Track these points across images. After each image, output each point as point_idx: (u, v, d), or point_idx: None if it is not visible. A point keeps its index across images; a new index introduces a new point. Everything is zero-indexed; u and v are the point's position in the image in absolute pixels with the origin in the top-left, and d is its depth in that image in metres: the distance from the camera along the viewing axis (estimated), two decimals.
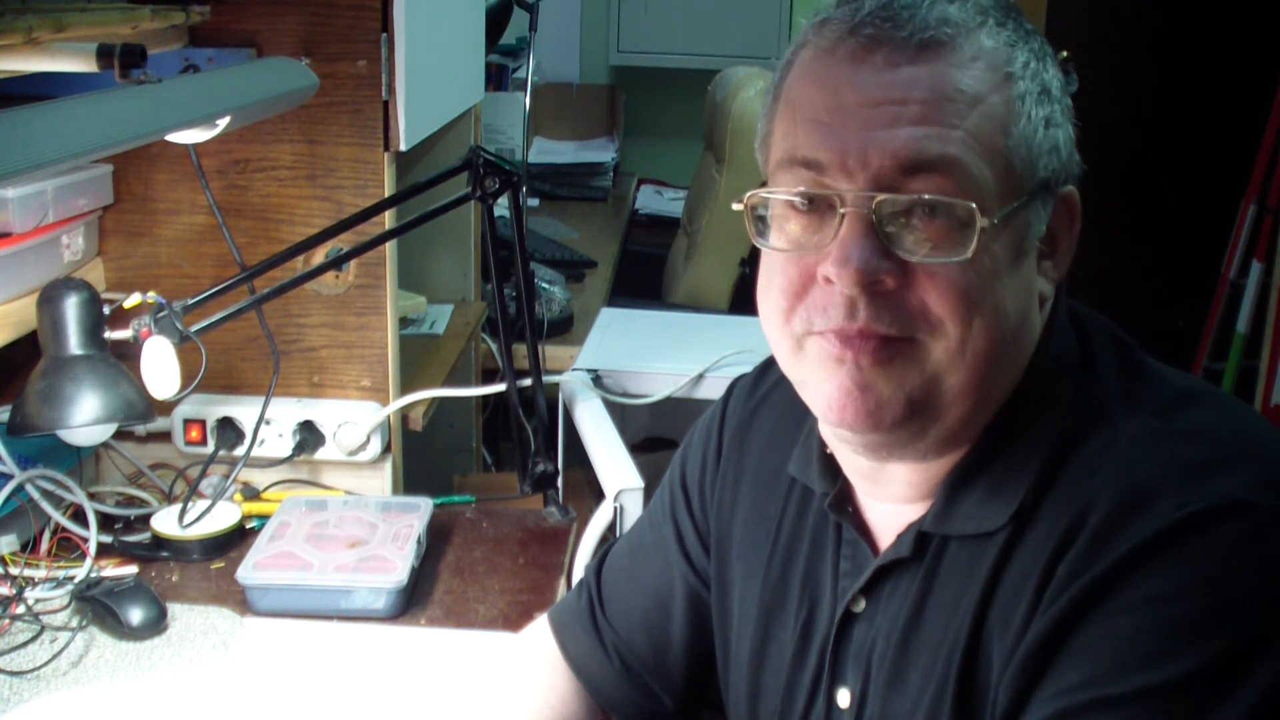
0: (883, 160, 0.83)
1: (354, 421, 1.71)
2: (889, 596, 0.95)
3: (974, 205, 0.83)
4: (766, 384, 1.13)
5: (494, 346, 2.34)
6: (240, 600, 1.46)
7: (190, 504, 1.58)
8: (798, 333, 0.89)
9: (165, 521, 1.58)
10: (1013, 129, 0.85)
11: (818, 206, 0.86)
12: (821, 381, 0.88)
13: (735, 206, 0.91)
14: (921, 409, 0.87)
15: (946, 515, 0.91)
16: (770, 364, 1.14)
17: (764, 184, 0.91)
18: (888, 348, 0.85)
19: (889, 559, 0.94)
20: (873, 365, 0.86)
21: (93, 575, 1.45)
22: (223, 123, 1.38)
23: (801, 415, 1.02)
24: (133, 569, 1.49)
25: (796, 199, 0.87)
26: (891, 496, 0.95)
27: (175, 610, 1.43)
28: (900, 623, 0.93)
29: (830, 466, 1.00)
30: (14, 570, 1.45)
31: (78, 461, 1.60)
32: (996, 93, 0.85)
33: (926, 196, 0.83)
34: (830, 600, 0.99)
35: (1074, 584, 0.82)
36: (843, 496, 0.99)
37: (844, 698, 0.97)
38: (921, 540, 0.92)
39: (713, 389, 1.98)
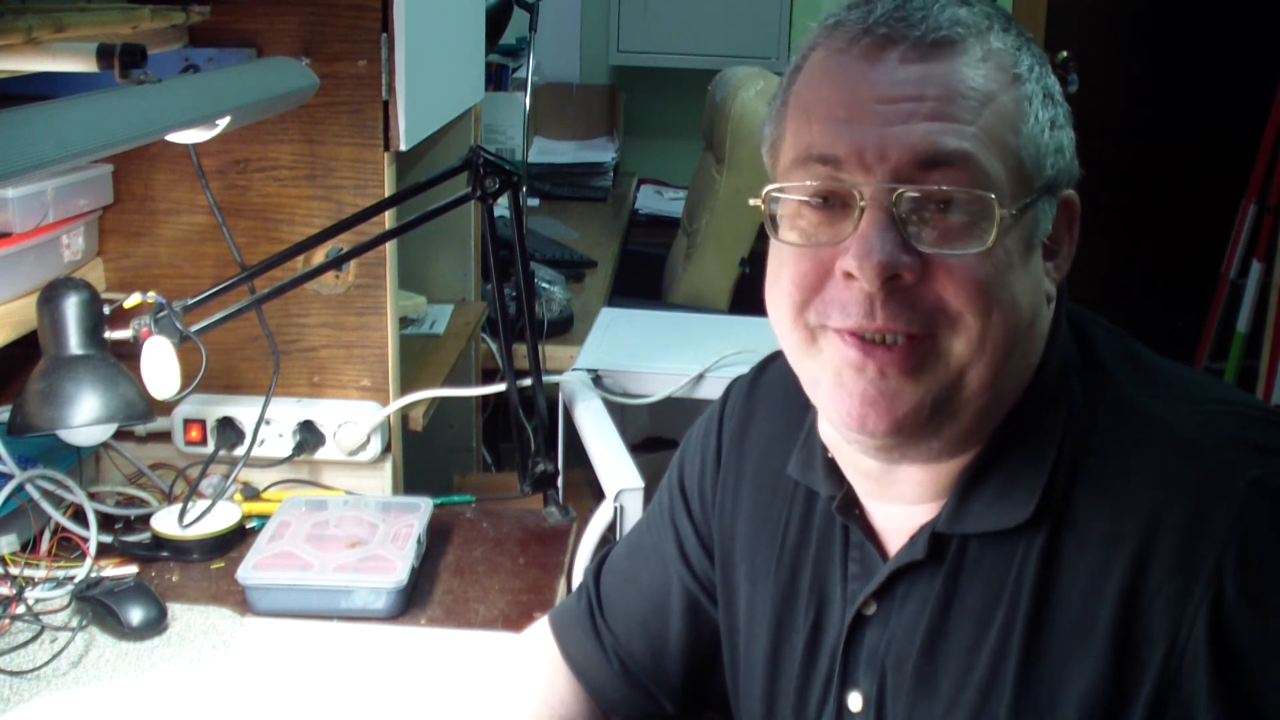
0: (900, 155, 0.84)
1: (354, 421, 1.71)
2: (903, 599, 0.94)
3: (992, 196, 0.84)
4: (763, 384, 1.13)
5: (494, 346, 2.34)
6: (240, 600, 1.46)
7: (190, 504, 1.57)
8: (811, 325, 0.89)
9: (165, 521, 1.58)
10: (1021, 128, 0.87)
11: (833, 202, 0.87)
12: (838, 388, 0.88)
13: (753, 202, 0.91)
14: (944, 406, 0.87)
15: (960, 514, 0.91)
16: (766, 364, 1.14)
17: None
18: (912, 355, 0.85)
19: (904, 561, 0.94)
20: (898, 374, 0.86)
21: (93, 575, 1.45)
22: (223, 123, 1.38)
23: (799, 415, 1.01)
24: (133, 569, 1.49)
25: (811, 196, 0.87)
26: (899, 498, 0.95)
27: (175, 610, 1.43)
28: (922, 627, 0.92)
29: (833, 469, 0.99)
30: (14, 570, 1.45)
31: (78, 461, 1.60)
32: (1006, 92, 0.86)
33: (946, 188, 0.84)
34: (840, 603, 0.99)
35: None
36: (849, 499, 0.99)
37: (855, 701, 0.97)
38: (937, 542, 0.92)
39: (713, 389, 1.98)
